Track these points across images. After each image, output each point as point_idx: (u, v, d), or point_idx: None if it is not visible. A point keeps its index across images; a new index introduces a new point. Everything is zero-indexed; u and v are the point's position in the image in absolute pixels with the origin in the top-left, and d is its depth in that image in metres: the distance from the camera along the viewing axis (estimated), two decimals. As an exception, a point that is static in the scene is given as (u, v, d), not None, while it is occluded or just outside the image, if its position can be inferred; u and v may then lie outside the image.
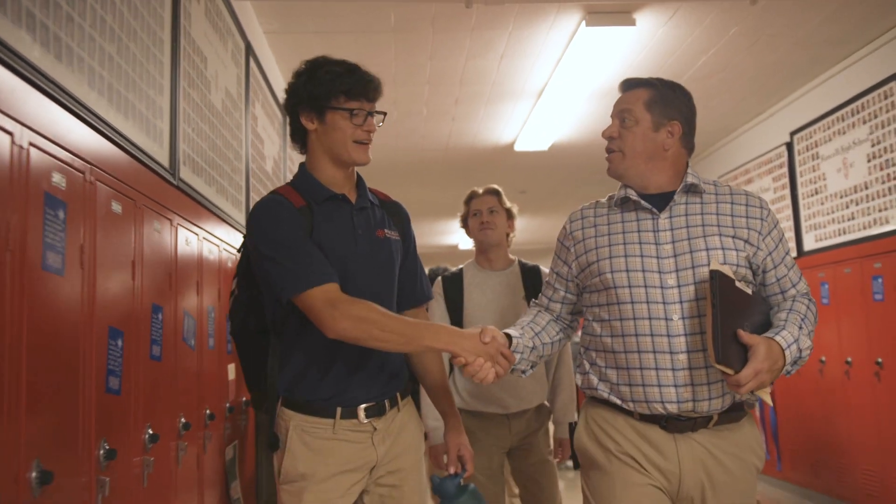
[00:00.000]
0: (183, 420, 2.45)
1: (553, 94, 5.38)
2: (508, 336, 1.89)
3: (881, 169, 4.74)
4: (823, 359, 5.12)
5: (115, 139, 1.94)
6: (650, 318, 1.78)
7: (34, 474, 1.48)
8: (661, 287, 1.78)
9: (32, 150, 1.51)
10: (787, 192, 5.85)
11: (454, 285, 2.91)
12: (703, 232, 1.81)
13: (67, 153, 1.67)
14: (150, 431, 2.13)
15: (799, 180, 5.73)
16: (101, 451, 1.80)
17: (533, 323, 2.01)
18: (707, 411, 1.77)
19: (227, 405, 3.09)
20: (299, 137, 1.90)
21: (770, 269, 1.85)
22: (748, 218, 1.83)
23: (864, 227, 4.93)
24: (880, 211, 4.75)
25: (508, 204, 2.95)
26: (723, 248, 1.79)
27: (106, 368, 1.88)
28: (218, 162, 3.08)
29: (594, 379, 1.89)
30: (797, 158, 5.74)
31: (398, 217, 2.01)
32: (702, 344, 1.75)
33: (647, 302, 1.79)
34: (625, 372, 1.81)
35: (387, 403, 1.89)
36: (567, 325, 2.05)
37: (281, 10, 3.98)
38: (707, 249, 1.78)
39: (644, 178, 1.86)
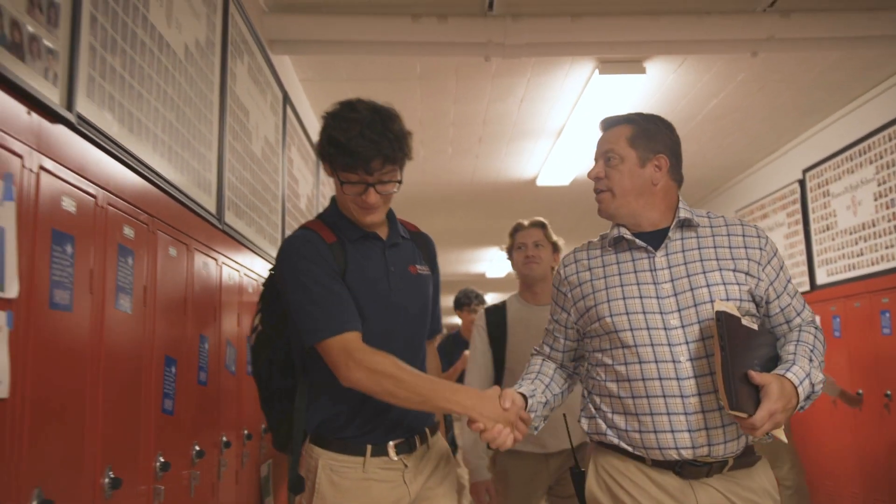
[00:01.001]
0: (224, 438, 2.73)
1: (571, 133, 5.65)
2: (523, 396, 1.84)
3: (887, 208, 4.92)
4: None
5: (173, 193, 2.25)
6: (657, 362, 1.72)
7: (106, 480, 1.76)
8: (665, 328, 1.73)
9: (110, 208, 1.82)
10: (801, 227, 6.04)
11: (497, 319, 2.84)
12: (702, 268, 1.76)
13: (135, 209, 1.98)
14: (197, 448, 2.41)
15: (811, 216, 5.91)
16: (158, 464, 2.08)
17: (541, 374, 1.96)
18: (723, 455, 1.72)
19: (263, 426, 3.37)
20: None
21: (773, 299, 1.80)
22: (746, 248, 1.79)
23: (873, 263, 5.10)
24: (887, 248, 4.93)
25: (555, 237, 2.88)
26: (724, 283, 1.74)
27: (162, 392, 2.17)
28: (257, 204, 3.39)
29: (602, 424, 1.82)
30: (809, 195, 5.93)
31: (427, 250, 1.99)
32: (712, 385, 1.70)
33: (652, 345, 1.73)
34: (634, 418, 1.75)
35: (417, 440, 1.86)
36: (571, 373, 2.02)
37: (316, 61, 4.33)
38: (708, 286, 1.73)
39: (636, 216, 1.82)
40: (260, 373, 1.96)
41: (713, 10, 3.70)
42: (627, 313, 1.76)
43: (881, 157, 4.97)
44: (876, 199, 5.04)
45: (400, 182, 1.79)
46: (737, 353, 1.62)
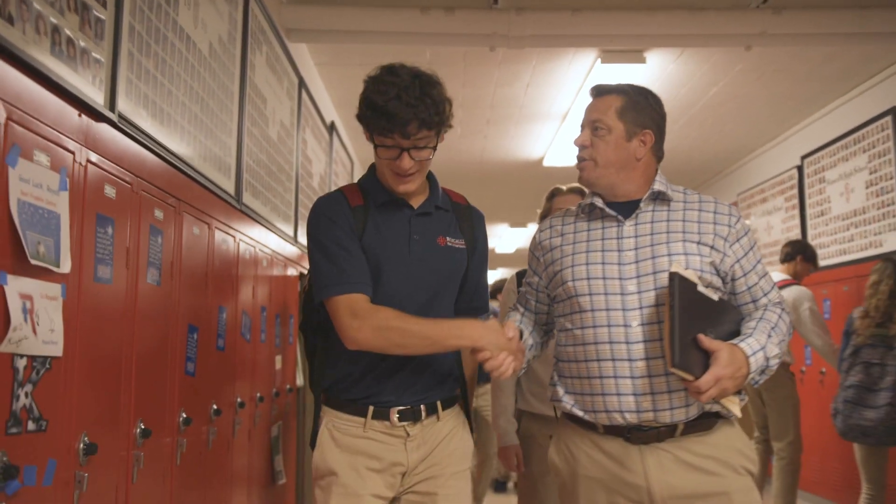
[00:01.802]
0: (239, 399, 3.00)
1: (576, 117, 5.83)
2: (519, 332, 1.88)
3: (877, 196, 5.11)
4: (824, 370, 5.49)
5: (196, 177, 2.49)
6: (609, 326, 1.75)
7: (138, 430, 2.04)
8: (622, 294, 1.76)
9: (143, 193, 2.07)
10: (797, 212, 6.22)
11: None
12: (666, 238, 1.78)
13: (164, 192, 2.23)
14: (215, 406, 2.69)
15: (807, 202, 6.10)
16: (181, 419, 2.36)
17: (523, 323, 2.00)
18: (670, 421, 1.73)
19: (274, 390, 3.66)
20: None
21: (739, 276, 1.81)
22: (715, 224, 1.80)
23: (862, 249, 5.30)
24: (875, 234, 5.12)
25: None
26: (686, 254, 1.75)
27: (185, 356, 2.43)
28: (272, 184, 3.64)
29: (560, 391, 1.87)
30: (806, 181, 6.11)
31: (469, 223, 1.96)
32: (661, 351, 1.71)
33: (607, 309, 1.76)
34: (586, 381, 1.79)
35: (423, 410, 1.84)
36: (545, 332, 2.05)
37: (330, 47, 4.54)
38: (669, 255, 1.75)
39: (614, 187, 1.84)
40: (303, 331, 2.00)
41: (708, 5, 3.88)
42: (588, 278, 1.79)
43: (874, 147, 5.14)
44: (867, 187, 5.22)
45: (435, 148, 1.78)
46: (688, 316, 1.62)
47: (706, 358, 1.63)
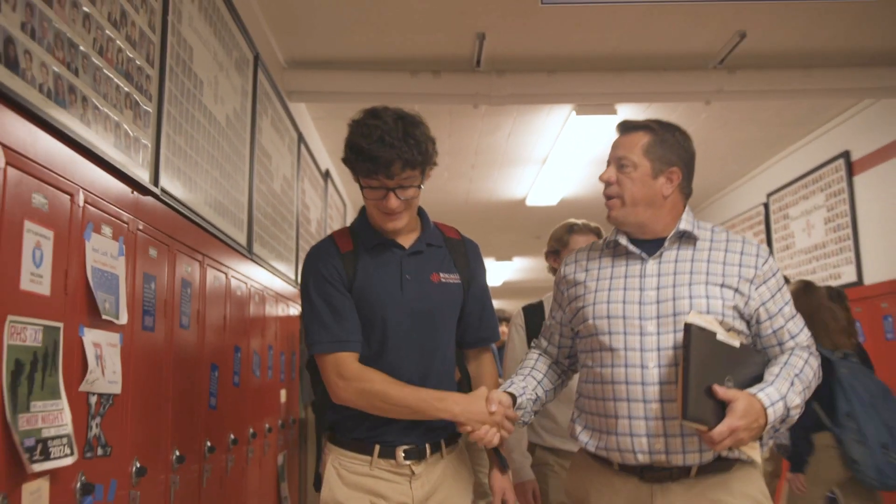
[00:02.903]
0: (251, 430, 3.32)
1: (556, 161, 6.25)
2: (512, 395, 1.88)
3: (834, 231, 5.52)
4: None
5: (217, 234, 2.84)
6: (626, 366, 1.74)
7: (174, 457, 2.36)
8: (641, 334, 1.74)
9: (178, 252, 2.42)
10: (765, 245, 6.63)
11: (536, 316, 2.82)
12: (689, 280, 1.75)
13: (193, 250, 2.58)
14: (232, 436, 3.01)
15: (773, 236, 6.51)
16: (206, 447, 2.68)
17: (535, 371, 1.99)
18: (682, 464, 1.71)
19: (280, 422, 3.97)
20: None
21: (765, 319, 1.76)
22: (741, 266, 1.76)
23: (823, 281, 5.68)
24: (834, 267, 5.52)
25: None
26: (707, 297, 1.72)
27: (208, 391, 2.76)
28: (276, 233, 3.99)
29: (578, 428, 1.87)
30: (772, 217, 6.53)
31: (463, 256, 1.95)
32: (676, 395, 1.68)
33: (626, 349, 1.74)
34: (603, 419, 1.78)
35: (428, 448, 1.86)
36: (566, 370, 2.04)
37: (327, 105, 4.93)
38: (690, 298, 1.72)
39: (642, 226, 1.82)
40: (309, 369, 2.03)
41: (670, 66, 4.30)
42: (608, 317, 1.78)
43: (830, 186, 5.56)
44: (826, 224, 5.64)
45: (420, 186, 1.79)
46: (702, 366, 1.60)
47: (722, 407, 1.60)
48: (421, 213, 1.93)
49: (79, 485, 1.70)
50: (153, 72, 2.21)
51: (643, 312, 1.75)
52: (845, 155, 5.33)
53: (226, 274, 2.99)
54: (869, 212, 5.14)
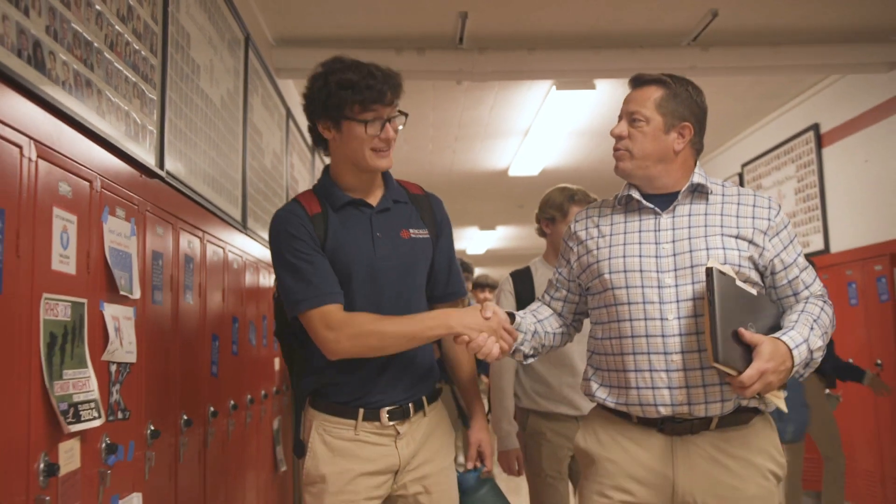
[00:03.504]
0: (249, 397, 3.51)
1: (537, 133, 6.41)
2: (511, 315, 1.87)
3: (804, 202, 5.74)
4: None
5: (215, 211, 2.99)
6: (646, 319, 1.74)
7: (182, 421, 2.53)
8: (659, 287, 1.74)
9: (181, 230, 2.57)
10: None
11: (524, 282, 2.85)
12: (704, 232, 1.75)
13: (195, 227, 2.73)
14: (232, 402, 3.19)
15: (747, 206, 6.72)
16: (210, 412, 2.86)
17: (535, 311, 1.99)
18: (704, 415, 1.71)
19: (275, 388, 4.16)
20: (321, 143, 1.90)
21: (780, 270, 1.77)
22: (754, 218, 1.77)
23: (793, 249, 5.92)
24: (804, 236, 5.75)
25: None
26: (724, 248, 1.73)
27: (210, 360, 2.93)
28: (268, 207, 4.14)
29: (594, 385, 1.86)
30: (746, 187, 6.74)
31: (428, 212, 1.96)
32: (698, 345, 1.70)
33: (644, 302, 1.74)
34: (622, 374, 1.78)
35: (411, 407, 1.87)
36: (569, 324, 2.02)
37: (313, 79, 5.05)
38: (707, 249, 1.73)
39: (652, 180, 1.81)
40: (277, 337, 2.04)
41: (645, 44, 4.45)
42: (625, 271, 1.78)
43: (800, 158, 5.77)
44: (796, 194, 5.86)
45: (405, 115, 1.83)
46: (728, 310, 1.61)
47: (748, 352, 1.61)
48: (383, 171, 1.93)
49: (104, 445, 1.88)
50: (156, 61, 2.34)
51: (660, 265, 1.76)
52: (815, 128, 5.53)
53: (223, 248, 3.15)
54: (836, 183, 5.36)
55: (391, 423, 1.84)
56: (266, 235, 4.18)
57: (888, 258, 4.59)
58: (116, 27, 2.03)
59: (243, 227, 3.50)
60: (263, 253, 3.97)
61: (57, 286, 1.66)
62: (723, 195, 1.82)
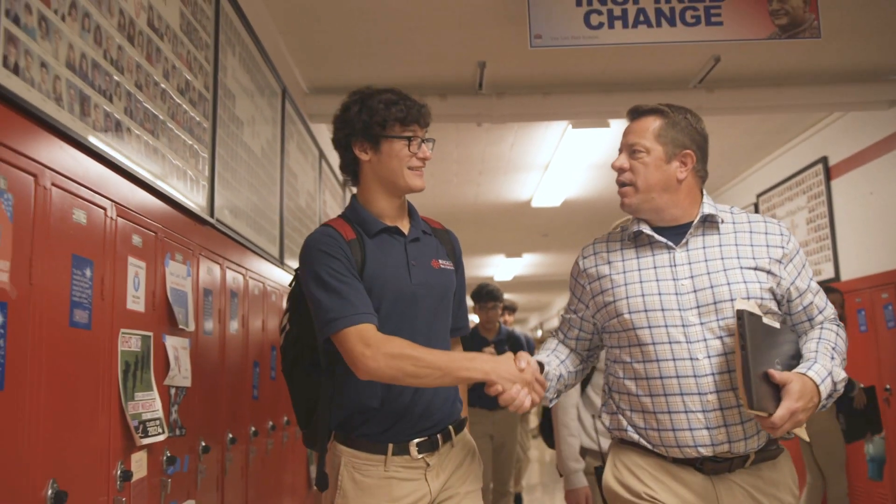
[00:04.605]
0: (286, 419, 3.82)
1: (557, 167, 6.70)
2: (539, 364, 1.83)
3: (815, 231, 5.95)
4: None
5: (258, 251, 3.34)
6: (674, 360, 1.70)
7: (228, 439, 2.85)
8: (683, 325, 1.70)
9: (228, 270, 2.91)
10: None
11: None
12: (723, 266, 1.72)
13: (240, 267, 3.06)
14: (271, 423, 3.50)
15: (763, 235, 6.94)
16: (251, 432, 3.17)
17: (557, 352, 1.96)
18: (744, 451, 1.69)
19: (308, 411, 4.47)
20: (351, 170, 1.93)
21: (795, 297, 1.76)
22: (769, 247, 1.75)
23: (806, 277, 6.12)
24: (815, 265, 5.95)
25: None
26: (745, 282, 1.70)
27: (252, 384, 3.25)
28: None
29: (623, 421, 1.80)
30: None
31: (450, 245, 1.99)
32: (731, 383, 1.67)
33: (670, 342, 1.70)
34: (652, 417, 1.73)
35: (440, 438, 1.85)
36: (585, 359, 2.00)
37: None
38: (729, 284, 1.69)
39: (660, 212, 1.79)
40: (287, 372, 2.01)
41: (654, 87, 4.74)
42: (646, 310, 1.73)
43: (810, 189, 5.99)
44: (808, 224, 6.07)
45: (433, 141, 1.91)
46: (758, 352, 1.59)
47: (777, 390, 1.60)
48: (407, 203, 1.98)
49: (165, 457, 2.19)
50: (207, 124, 2.70)
51: (681, 303, 1.72)
52: (823, 160, 5.75)
53: (263, 283, 3.49)
54: (845, 213, 5.57)
55: (420, 455, 1.82)
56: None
57: (894, 286, 4.78)
58: (177, 100, 2.38)
59: (280, 262, 3.84)
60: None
61: (130, 322, 1.99)
62: (734, 223, 1.80)
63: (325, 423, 1.87)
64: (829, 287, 4.55)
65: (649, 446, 1.75)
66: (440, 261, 1.92)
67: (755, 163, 6.90)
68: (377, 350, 1.69)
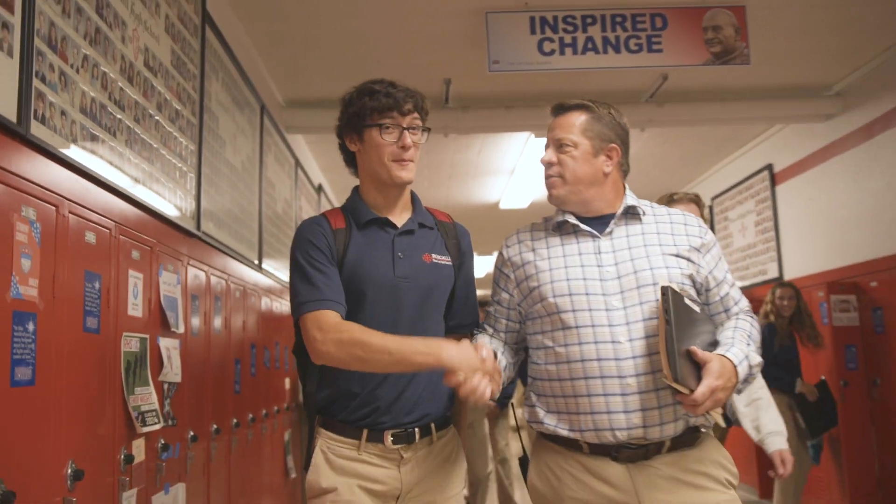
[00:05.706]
0: (264, 411, 4.12)
1: (522, 172, 7.05)
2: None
3: (762, 234, 6.35)
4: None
5: (238, 258, 3.64)
6: (596, 343, 1.71)
7: (212, 429, 3.15)
8: (607, 310, 1.72)
9: (213, 277, 3.21)
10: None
11: None
12: (645, 252, 1.76)
13: (223, 273, 3.37)
14: (251, 416, 3.81)
15: (717, 236, 7.33)
16: (233, 423, 3.48)
17: (494, 342, 1.92)
18: (659, 437, 1.70)
19: (285, 405, 4.78)
20: (350, 162, 1.94)
21: (713, 286, 1.80)
22: (688, 236, 1.80)
23: (754, 276, 6.53)
24: (762, 265, 6.36)
25: None
26: (667, 267, 1.74)
27: (234, 379, 3.56)
28: (280, 248, 4.79)
29: (540, 412, 1.81)
30: (716, 219, 7.36)
31: (454, 240, 1.96)
32: (652, 367, 1.68)
33: (593, 325, 1.72)
34: (572, 400, 1.73)
35: (417, 432, 1.83)
36: (516, 352, 1.97)
37: (321, 136, 5.73)
38: (651, 269, 1.73)
39: (586, 204, 1.82)
40: (296, 353, 1.99)
41: (608, 101, 5.09)
42: (570, 294, 1.75)
43: (758, 194, 6.39)
44: (755, 226, 6.47)
45: (427, 130, 1.90)
46: (681, 329, 1.61)
47: (697, 370, 1.63)
48: (413, 195, 1.97)
49: (160, 444, 2.50)
50: (194, 146, 3.00)
51: (605, 288, 1.75)
52: (769, 167, 6.15)
53: (243, 287, 3.79)
54: (788, 218, 5.98)
55: (395, 446, 1.81)
56: (279, 273, 4.84)
57: (825, 286, 5.19)
58: (168, 128, 2.69)
59: (259, 267, 4.14)
60: (274, 286, 4.61)
61: (131, 326, 2.30)
62: (654, 215, 1.85)
63: (313, 404, 1.89)
64: (783, 283, 4.86)
65: (565, 432, 1.76)
66: (434, 255, 1.89)
67: (709, 168, 7.30)
68: (327, 335, 1.71)
